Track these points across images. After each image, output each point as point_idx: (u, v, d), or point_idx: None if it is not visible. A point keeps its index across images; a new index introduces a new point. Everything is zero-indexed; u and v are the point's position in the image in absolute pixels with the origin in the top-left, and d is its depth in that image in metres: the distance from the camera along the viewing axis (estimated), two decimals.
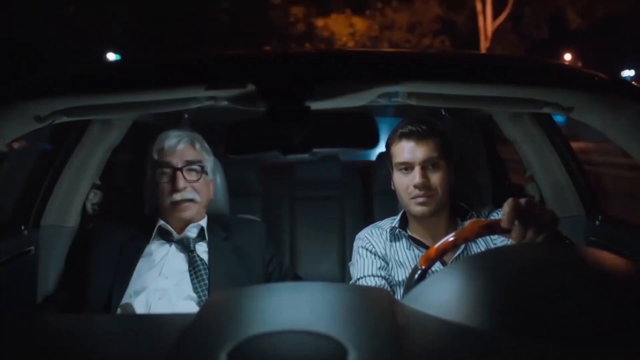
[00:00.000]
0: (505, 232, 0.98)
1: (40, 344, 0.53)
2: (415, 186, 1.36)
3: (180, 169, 1.50)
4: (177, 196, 1.48)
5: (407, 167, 1.38)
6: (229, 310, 0.55)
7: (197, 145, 1.56)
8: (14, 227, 1.51)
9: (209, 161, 1.60)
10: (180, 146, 1.52)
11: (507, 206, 0.96)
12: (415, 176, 1.36)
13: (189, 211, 1.51)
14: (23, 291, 1.51)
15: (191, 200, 1.50)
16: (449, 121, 2.08)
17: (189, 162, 1.52)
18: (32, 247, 1.53)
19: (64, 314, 1.42)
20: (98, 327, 0.60)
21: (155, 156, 1.53)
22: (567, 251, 0.75)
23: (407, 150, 1.38)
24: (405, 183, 1.38)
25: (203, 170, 1.55)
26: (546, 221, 0.95)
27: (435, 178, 1.36)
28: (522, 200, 0.97)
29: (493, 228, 1.01)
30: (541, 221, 0.95)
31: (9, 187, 1.60)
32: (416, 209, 1.37)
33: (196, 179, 1.52)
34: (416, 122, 1.39)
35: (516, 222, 0.96)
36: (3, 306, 1.36)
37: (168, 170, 1.50)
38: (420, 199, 1.36)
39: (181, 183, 1.48)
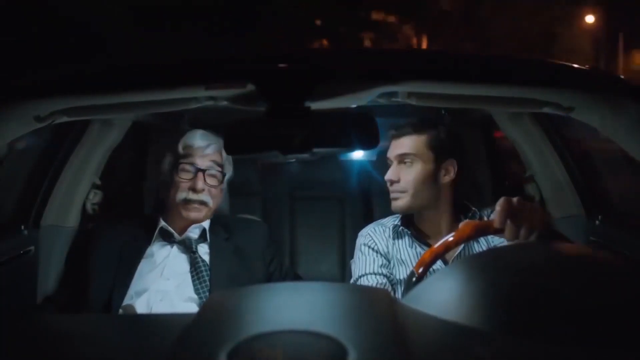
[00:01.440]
0: (498, 232, 0.98)
1: (40, 344, 0.53)
2: (387, 180, 1.42)
3: (204, 171, 1.50)
4: (193, 196, 1.48)
5: (389, 162, 1.44)
6: (229, 310, 0.55)
7: (224, 153, 1.56)
8: (14, 227, 1.51)
9: (229, 171, 1.60)
10: (209, 150, 1.52)
11: (498, 206, 0.96)
12: (388, 171, 1.41)
13: (198, 213, 1.51)
14: (23, 291, 1.51)
15: (204, 203, 1.51)
16: (448, 121, 2.07)
17: (213, 167, 1.52)
18: (32, 247, 1.53)
19: (64, 314, 1.42)
20: (98, 327, 0.60)
21: (181, 150, 1.52)
22: (567, 251, 0.75)
23: (391, 145, 1.44)
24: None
25: (223, 178, 1.56)
26: (538, 219, 0.95)
27: (407, 175, 1.39)
28: (514, 200, 0.97)
29: (486, 229, 1.01)
30: (533, 219, 0.95)
31: (9, 187, 1.60)
32: (392, 204, 1.42)
33: (216, 184, 1.53)
34: (409, 120, 1.44)
35: (508, 222, 0.96)
36: (3, 306, 1.36)
37: (191, 168, 1.50)
38: (392, 194, 1.41)
39: (200, 184, 1.49)
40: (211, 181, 1.52)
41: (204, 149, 1.51)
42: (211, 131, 1.58)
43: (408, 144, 1.40)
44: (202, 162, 1.51)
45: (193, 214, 1.50)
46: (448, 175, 1.42)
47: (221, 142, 1.56)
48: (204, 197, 1.50)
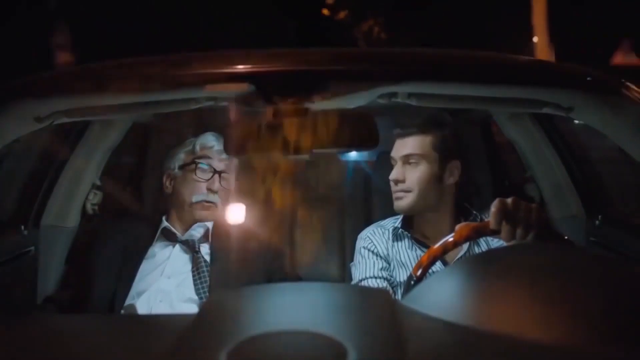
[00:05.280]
0: (494, 233, 0.98)
1: (40, 344, 0.53)
2: (391, 180, 1.40)
3: (220, 173, 1.52)
4: (210, 196, 1.51)
5: (393, 161, 1.43)
6: (229, 310, 0.55)
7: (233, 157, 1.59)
8: (14, 227, 1.51)
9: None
10: (224, 153, 1.53)
11: (493, 207, 0.96)
12: (393, 171, 1.40)
13: (209, 213, 1.53)
14: (23, 291, 1.51)
15: (215, 204, 1.53)
16: (450, 121, 2.07)
17: (228, 170, 1.55)
18: (32, 247, 1.53)
19: (64, 314, 1.42)
20: (98, 327, 0.60)
21: (198, 150, 1.55)
22: (567, 251, 0.75)
23: (395, 145, 1.43)
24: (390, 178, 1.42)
25: (233, 181, 1.59)
26: (534, 219, 0.95)
27: (413, 175, 1.38)
28: (509, 200, 0.96)
29: (482, 230, 1.01)
30: (529, 219, 0.94)
31: (9, 187, 1.60)
32: (395, 204, 1.41)
33: (228, 187, 1.56)
34: (411, 119, 1.42)
35: (504, 223, 0.96)
36: (3, 306, 1.36)
37: (207, 168, 1.52)
38: (396, 194, 1.40)
39: (217, 185, 1.52)
40: (225, 184, 1.55)
41: (221, 152, 1.54)
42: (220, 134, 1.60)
43: (413, 144, 1.39)
44: (218, 164, 1.54)
45: (205, 214, 1.52)
46: (452, 177, 1.41)
47: None
48: (217, 198, 1.53)
